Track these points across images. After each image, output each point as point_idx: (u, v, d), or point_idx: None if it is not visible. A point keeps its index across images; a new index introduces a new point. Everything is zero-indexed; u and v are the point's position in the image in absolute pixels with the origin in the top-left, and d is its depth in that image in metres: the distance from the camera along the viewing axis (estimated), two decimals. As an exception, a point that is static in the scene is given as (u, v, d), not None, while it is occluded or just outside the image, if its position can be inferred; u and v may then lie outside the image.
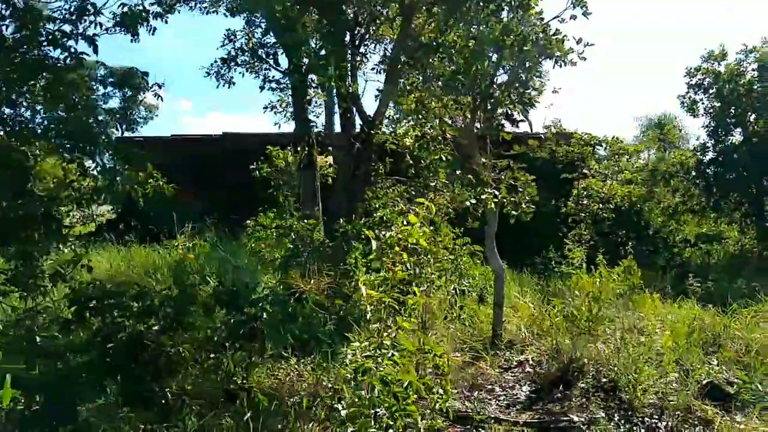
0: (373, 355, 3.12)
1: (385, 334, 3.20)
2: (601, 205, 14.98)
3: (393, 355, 3.12)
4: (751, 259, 15.90)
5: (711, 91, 17.70)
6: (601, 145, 15.56)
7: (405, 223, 3.75)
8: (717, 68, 17.60)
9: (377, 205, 7.87)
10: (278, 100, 9.63)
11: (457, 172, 7.27)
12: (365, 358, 3.11)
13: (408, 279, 3.56)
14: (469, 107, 7.10)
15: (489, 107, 6.87)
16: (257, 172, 10.05)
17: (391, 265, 3.44)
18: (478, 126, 7.21)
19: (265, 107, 9.49)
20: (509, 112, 6.97)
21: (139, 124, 65.13)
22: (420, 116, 7.13)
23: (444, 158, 7.16)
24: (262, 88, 9.12)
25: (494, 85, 6.91)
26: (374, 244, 3.47)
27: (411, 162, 7.28)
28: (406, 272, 3.49)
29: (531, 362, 6.80)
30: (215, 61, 9.67)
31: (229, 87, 9.95)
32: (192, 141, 20.80)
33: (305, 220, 7.67)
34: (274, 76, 8.96)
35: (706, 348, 7.35)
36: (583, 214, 15.07)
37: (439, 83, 7.09)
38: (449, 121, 7.11)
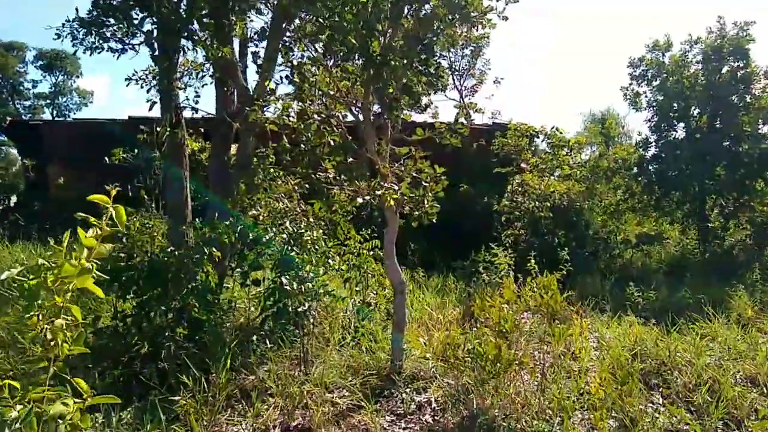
0: None
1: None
2: (537, 203, 13.74)
3: None
4: (692, 262, 15.05)
5: (654, 84, 16.78)
6: (539, 137, 14.32)
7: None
8: (661, 59, 16.68)
9: (251, 202, 6.24)
10: (147, 71, 7.79)
11: (349, 161, 5.69)
12: None
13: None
14: (361, 78, 5.54)
15: (385, 77, 5.31)
16: (107, 159, 8.21)
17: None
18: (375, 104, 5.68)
19: (128, 79, 7.65)
20: (411, 86, 5.44)
21: (71, 110, 61.13)
22: (301, 89, 5.52)
23: (332, 143, 5.56)
24: (96, 48, 7.19)
25: (390, 51, 5.36)
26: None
27: (288, 146, 5.66)
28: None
29: (434, 406, 5.31)
30: (68, 21, 7.77)
31: (91, 54, 8.05)
32: (95, 125, 18.63)
33: (159, 218, 5.99)
34: (115, 32, 7.06)
35: (648, 379, 6.06)
36: (518, 213, 13.81)
37: (320, 44, 5.50)
38: (334, 94, 5.53)
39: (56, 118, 48.46)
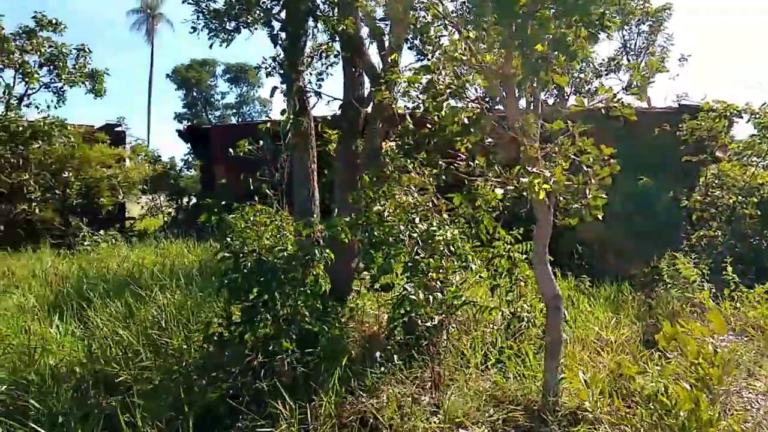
0: None
1: None
2: (740, 197, 11.28)
3: None
4: None
5: None
6: (742, 117, 11.74)
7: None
8: None
9: (376, 196, 5.35)
10: (275, 57, 7.30)
11: (487, 142, 4.56)
12: None
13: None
14: (502, 38, 4.37)
15: (530, 33, 4.09)
16: (231, 151, 7.84)
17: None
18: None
19: (257, 67, 7.23)
20: (565, 41, 4.14)
21: (253, 118, 66.64)
22: (423, 53, 4.52)
23: (467, 120, 4.48)
24: (229, 38, 6.72)
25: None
26: None
27: (411, 128, 4.68)
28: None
29: (599, 463, 3.99)
30: (201, 12, 7.52)
31: (227, 46, 7.81)
32: (252, 126, 19.38)
33: (275, 216, 5.36)
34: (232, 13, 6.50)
35: None
36: (714, 210, 11.43)
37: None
38: (468, 59, 4.42)
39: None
